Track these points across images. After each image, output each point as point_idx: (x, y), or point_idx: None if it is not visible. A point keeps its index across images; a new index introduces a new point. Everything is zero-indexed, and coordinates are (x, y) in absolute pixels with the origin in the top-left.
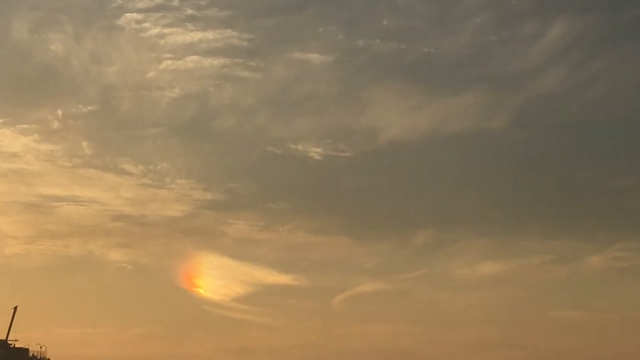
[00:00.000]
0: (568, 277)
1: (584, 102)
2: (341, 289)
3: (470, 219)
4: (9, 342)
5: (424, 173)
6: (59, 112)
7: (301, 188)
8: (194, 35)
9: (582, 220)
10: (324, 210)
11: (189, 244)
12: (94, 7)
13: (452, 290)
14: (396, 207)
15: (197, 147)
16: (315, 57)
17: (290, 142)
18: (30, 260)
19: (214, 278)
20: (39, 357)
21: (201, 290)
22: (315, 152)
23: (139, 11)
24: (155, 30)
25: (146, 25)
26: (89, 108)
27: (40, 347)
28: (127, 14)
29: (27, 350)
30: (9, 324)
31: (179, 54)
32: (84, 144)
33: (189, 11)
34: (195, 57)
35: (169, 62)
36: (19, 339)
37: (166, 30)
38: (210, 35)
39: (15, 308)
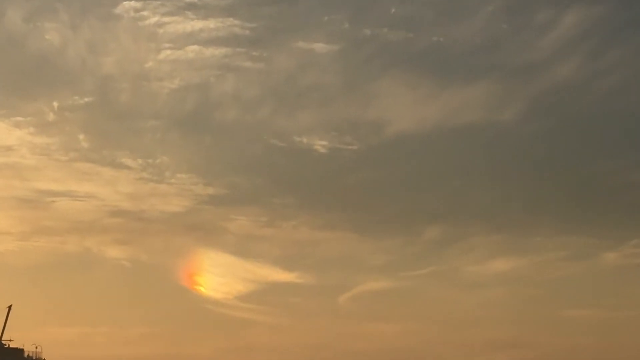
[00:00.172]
0: (582, 275)
1: (599, 93)
2: (347, 287)
3: (481, 214)
4: (4, 342)
5: (433, 167)
6: (55, 104)
7: (306, 182)
8: (195, 24)
9: (597, 215)
10: (330, 205)
11: (190, 240)
12: None
13: (462, 288)
14: (404, 202)
15: (198, 140)
16: (320, 47)
17: (294, 134)
18: (26, 257)
19: (216, 276)
20: (34, 358)
21: (202, 289)
22: (320, 145)
23: None
24: (154, 19)
25: (145, 13)
26: (86, 100)
27: (36, 348)
28: (124, 2)
29: (22, 350)
30: (3, 324)
31: (178, 44)
32: (81, 136)
33: None
34: (195, 47)
35: (168, 52)
36: (14, 338)
37: (165, 19)
38: (211, 24)
39: (10, 307)
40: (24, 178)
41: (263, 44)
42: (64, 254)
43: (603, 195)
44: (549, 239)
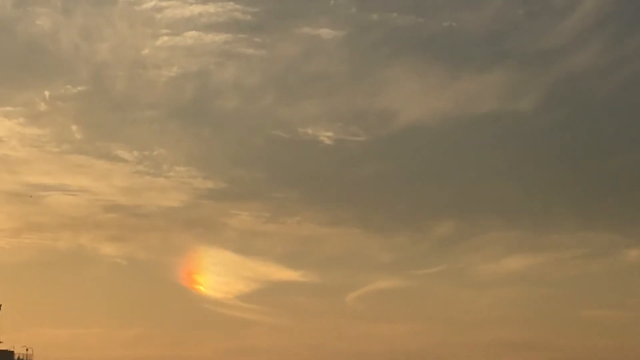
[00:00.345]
0: (603, 273)
1: (620, 81)
2: (354, 285)
3: (496, 209)
4: None
5: (445, 159)
6: (46, 93)
7: (311, 176)
8: (194, 9)
9: (618, 210)
10: (336, 200)
11: (189, 237)
12: None
13: (475, 287)
14: (414, 197)
15: (197, 131)
16: (326, 33)
17: (298, 125)
18: (15, 254)
19: (216, 274)
20: None
21: (202, 288)
22: (325, 136)
23: None
24: (151, 3)
25: None
26: (79, 89)
27: (27, 350)
28: None
29: (11, 352)
30: None
31: (177, 29)
32: (74, 127)
33: None
34: (194, 33)
35: (166, 38)
36: (3, 340)
37: (163, 3)
38: (211, 8)
39: None
40: (13, 171)
41: (266, 29)
42: (55, 251)
43: (625, 189)
44: (567, 235)
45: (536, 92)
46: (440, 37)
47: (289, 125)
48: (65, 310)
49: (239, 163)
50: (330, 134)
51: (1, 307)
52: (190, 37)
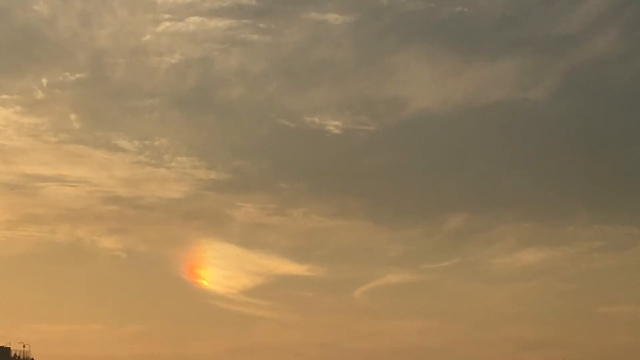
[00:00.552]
0: (620, 267)
1: (637, 69)
2: (363, 280)
3: (510, 201)
4: None
5: (457, 149)
6: (44, 80)
7: (318, 166)
8: None
9: (636, 202)
10: (344, 191)
11: (191, 229)
12: None
13: (488, 282)
14: (425, 188)
15: (199, 120)
16: (333, 18)
17: (305, 114)
18: (12, 247)
19: (219, 268)
20: (21, 357)
21: (204, 282)
22: (333, 125)
23: None
24: None
25: None
26: (78, 76)
27: (23, 346)
28: None
29: (8, 349)
30: None
31: (179, 15)
32: (72, 116)
33: None
34: (197, 18)
35: (167, 23)
36: None
37: None
38: None
39: None
40: (9, 161)
41: (271, 15)
42: (53, 244)
43: None
44: (583, 228)
45: (550, 80)
46: (452, 23)
47: (295, 114)
48: (63, 306)
49: (243, 153)
50: (337, 123)
51: None
52: (192, 22)
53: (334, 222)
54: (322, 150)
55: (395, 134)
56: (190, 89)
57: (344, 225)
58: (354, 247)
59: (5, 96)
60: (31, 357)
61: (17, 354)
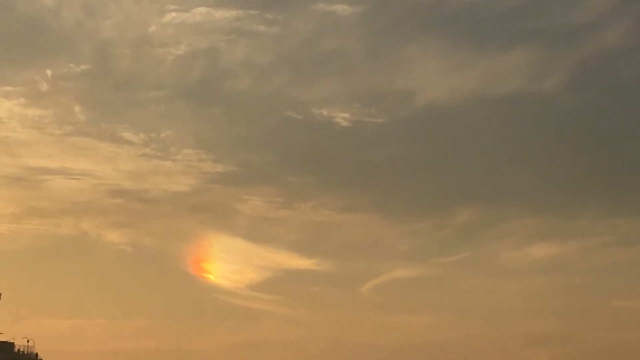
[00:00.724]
0: (632, 261)
1: None
2: (372, 274)
3: (521, 194)
4: None
5: (467, 142)
6: (48, 72)
7: (326, 159)
8: None
9: None
10: (352, 184)
11: (197, 223)
12: None
13: (498, 276)
14: (435, 181)
15: (206, 112)
16: (342, 9)
17: (313, 106)
18: (16, 241)
19: (226, 262)
20: (25, 352)
21: (211, 277)
22: (342, 117)
23: None
24: None
25: None
26: (82, 67)
27: (27, 341)
28: None
29: (12, 344)
30: None
31: (185, 5)
32: (77, 108)
33: None
34: (203, 9)
35: (173, 14)
36: (3, 331)
37: None
38: None
39: None
40: (14, 154)
41: (278, 5)
42: (58, 237)
43: None
44: (596, 221)
45: (562, 71)
46: (462, 14)
47: (303, 106)
48: (67, 300)
49: (250, 146)
50: (346, 115)
51: (1, 296)
52: (199, 13)
53: (342, 216)
54: (330, 142)
55: (405, 126)
56: (197, 80)
57: (352, 219)
58: (362, 241)
59: (9, 88)
60: (35, 352)
61: (21, 349)
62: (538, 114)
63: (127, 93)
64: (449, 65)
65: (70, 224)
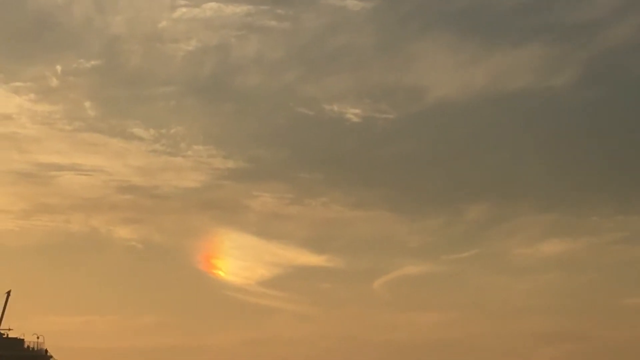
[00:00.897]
0: None
1: None
2: (382, 271)
3: (531, 191)
4: (2, 331)
5: (478, 138)
6: (58, 67)
7: (337, 155)
8: None
9: None
10: (363, 181)
11: (208, 219)
12: None
13: (510, 273)
14: (446, 178)
15: (216, 108)
16: (353, 4)
17: (324, 102)
18: (26, 237)
19: (236, 259)
20: (35, 349)
21: (221, 273)
22: (352, 113)
23: None
24: None
25: None
26: (92, 63)
27: (37, 338)
28: None
29: (22, 340)
30: (1, 311)
31: (195, 0)
32: (87, 104)
33: None
34: (214, 4)
35: (184, 9)
36: (13, 328)
37: None
38: None
39: (9, 293)
40: (23, 150)
41: (289, 0)
42: (68, 234)
43: None
44: (607, 218)
45: (573, 67)
46: (473, 10)
47: (314, 102)
48: (77, 297)
49: (261, 142)
50: (357, 111)
51: (11, 292)
52: (209, 8)
53: (353, 212)
54: (341, 139)
55: (416, 122)
56: (207, 76)
57: (363, 215)
58: (373, 238)
59: (19, 83)
60: (45, 348)
61: (31, 345)
62: (549, 110)
63: (138, 89)
64: (460, 61)
65: (80, 220)
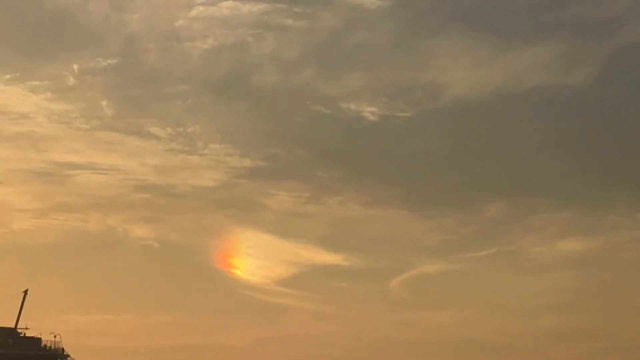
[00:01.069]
0: None
1: None
2: (399, 270)
3: (549, 189)
4: (19, 330)
5: (495, 136)
6: (75, 66)
7: (353, 154)
8: None
9: None
10: (380, 179)
11: (224, 218)
12: None
13: (527, 271)
14: (463, 176)
15: (233, 106)
16: (369, 2)
17: (341, 100)
18: (42, 236)
19: (253, 257)
20: (52, 348)
21: (238, 272)
22: (369, 112)
23: None
24: None
25: None
26: (109, 62)
27: (54, 337)
28: None
29: (39, 339)
30: (18, 310)
31: None
32: (104, 103)
33: None
34: (231, 3)
35: (201, 8)
36: (30, 327)
37: None
38: None
39: (26, 292)
40: (40, 149)
41: None
42: (84, 233)
43: None
44: (626, 216)
45: (591, 64)
46: (490, 7)
47: (331, 100)
48: (94, 296)
49: (277, 140)
50: (374, 109)
51: (28, 291)
52: (226, 7)
53: (369, 211)
54: (358, 137)
55: (433, 120)
56: (224, 74)
57: (380, 214)
58: (390, 236)
59: (35, 82)
60: (62, 347)
61: (48, 345)
62: (566, 108)
63: (154, 87)
64: (477, 59)
65: (97, 219)
